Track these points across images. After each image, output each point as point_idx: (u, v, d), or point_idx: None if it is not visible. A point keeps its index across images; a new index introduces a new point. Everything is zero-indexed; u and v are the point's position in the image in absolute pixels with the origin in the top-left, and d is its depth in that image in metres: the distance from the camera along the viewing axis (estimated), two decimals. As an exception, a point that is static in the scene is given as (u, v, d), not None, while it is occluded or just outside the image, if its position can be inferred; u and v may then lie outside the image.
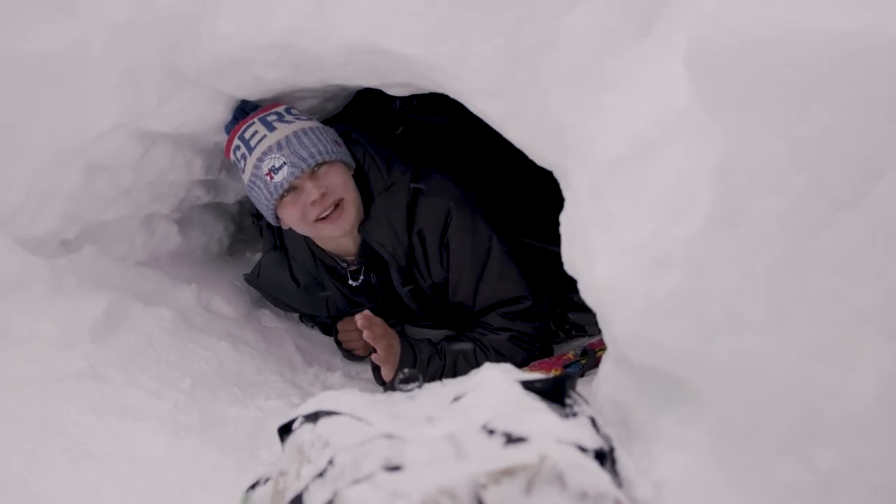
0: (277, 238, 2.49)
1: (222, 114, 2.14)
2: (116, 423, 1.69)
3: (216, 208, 2.81)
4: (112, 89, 1.91)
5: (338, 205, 2.12)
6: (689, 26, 1.23)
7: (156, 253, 2.48)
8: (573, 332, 2.53)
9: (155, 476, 1.53)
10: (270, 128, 2.10)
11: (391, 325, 2.48)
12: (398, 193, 2.19)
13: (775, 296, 1.07)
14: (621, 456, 1.17)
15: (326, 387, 2.27)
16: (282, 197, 2.10)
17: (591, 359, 2.13)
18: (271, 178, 2.06)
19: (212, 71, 1.94)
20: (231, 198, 2.72)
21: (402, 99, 2.67)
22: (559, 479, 0.98)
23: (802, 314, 1.05)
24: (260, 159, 2.08)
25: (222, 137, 2.22)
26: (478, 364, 2.02)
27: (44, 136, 1.95)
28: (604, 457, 1.13)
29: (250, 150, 2.10)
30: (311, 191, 2.07)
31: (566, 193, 1.57)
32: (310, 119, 2.18)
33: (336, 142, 2.17)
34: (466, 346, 2.21)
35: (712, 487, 1.15)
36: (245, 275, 2.56)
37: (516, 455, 1.00)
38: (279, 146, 2.07)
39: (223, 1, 1.80)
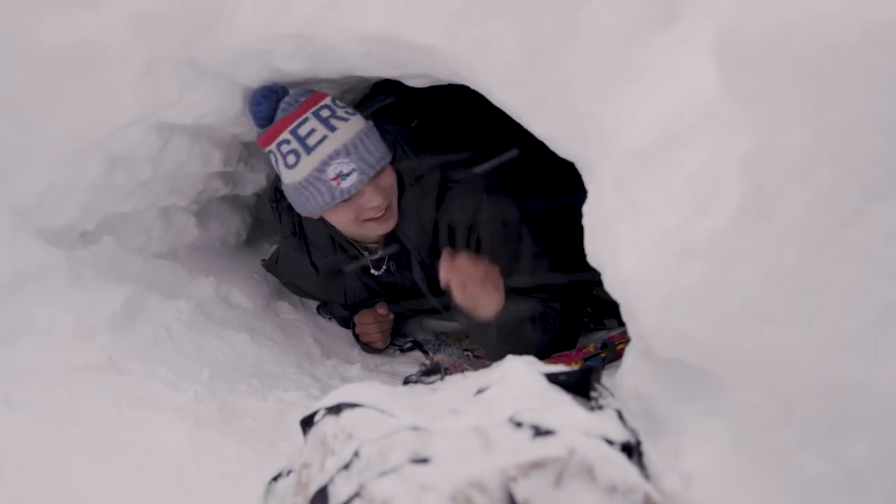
0: (297, 224, 2.48)
1: (241, 105, 2.13)
2: (136, 415, 1.68)
3: (234, 200, 2.82)
4: (132, 81, 1.90)
5: (388, 206, 2.12)
6: (715, 14, 1.21)
7: (174, 245, 2.49)
8: (591, 326, 2.52)
9: (175, 468, 1.52)
10: (330, 127, 2.05)
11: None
12: (427, 185, 2.19)
13: (803, 288, 1.06)
14: (648, 449, 1.16)
15: (345, 379, 2.27)
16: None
17: (611, 352, 2.13)
18: (338, 183, 2.03)
19: (231, 62, 1.93)
20: (248, 190, 2.72)
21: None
22: (589, 473, 0.98)
23: (830, 306, 1.04)
24: (325, 162, 2.03)
25: (241, 129, 2.21)
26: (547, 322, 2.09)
27: (64, 129, 1.94)
28: (631, 450, 1.12)
29: (308, 149, 2.05)
30: (373, 197, 2.07)
31: (589, 186, 1.56)
32: (355, 114, 2.14)
33: (382, 140, 2.15)
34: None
35: (738, 480, 1.14)
36: (263, 260, 2.56)
37: (545, 448, 1.00)
38: (347, 151, 2.03)
39: (242, -9, 1.79)
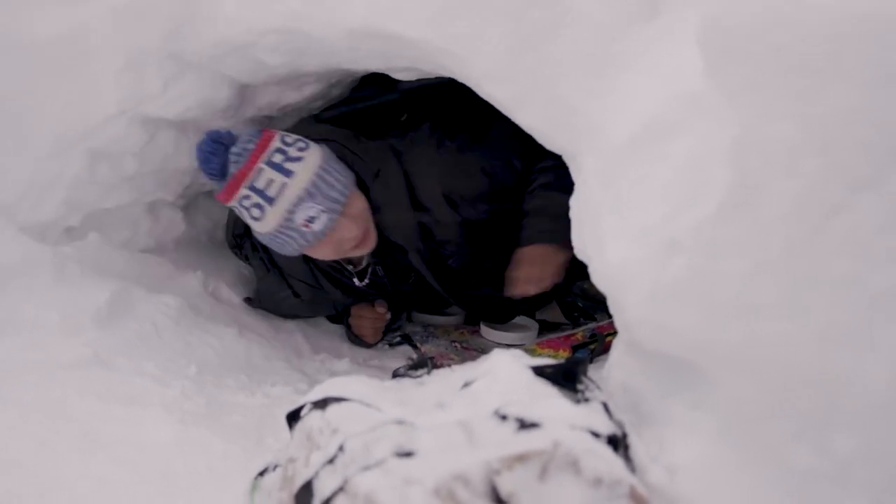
0: (267, 261, 2.44)
1: (227, 98, 2.11)
2: (123, 411, 1.67)
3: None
4: (114, 75, 1.89)
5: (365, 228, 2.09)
6: (700, 5, 1.21)
7: (161, 240, 2.47)
8: (581, 320, 2.51)
9: (162, 464, 1.51)
10: (286, 172, 1.97)
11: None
12: (391, 176, 2.14)
13: (790, 280, 1.06)
14: (634, 442, 1.16)
15: (333, 374, 2.26)
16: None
17: (599, 343, 2.13)
18: (308, 227, 1.98)
19: (214, 55, 1.92)
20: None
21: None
22: (573, 466, 0.97)
23: (817, 298, 1.04)
24: (291, 211, 1.97)
25: (228, 123, 2.19)
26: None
27: (45, 123, 1.93)
28: (617, 442, 1.12)
29: (270, 200, 1.98)
30: (349, 228, 2.03)
31: (577, 178, 1.55)
32: (307, 144, 2.06)
33: (340, 160, 2.10)
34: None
35: (725, 472, 1.14)
36: (246, 299, 2.52)
37: (529, 441, 0.99)
38: (310, 194, 1.97)
39: (225, -16, 1.78)
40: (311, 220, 1.98)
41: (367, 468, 1.02)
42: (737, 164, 1.10)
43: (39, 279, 1.99)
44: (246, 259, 2.57)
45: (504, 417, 1.06)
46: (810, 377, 1.06)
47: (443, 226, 2.16)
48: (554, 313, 2.53)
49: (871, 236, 1.01)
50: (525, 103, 1.63)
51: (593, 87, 1.48)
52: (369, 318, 2.45)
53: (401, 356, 2.43)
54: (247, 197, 2.00)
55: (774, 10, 1.06)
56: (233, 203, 2.05)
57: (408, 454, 1.01)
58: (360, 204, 2.08)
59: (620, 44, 1.46)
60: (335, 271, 2.34)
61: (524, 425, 1.03)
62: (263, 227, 2.03)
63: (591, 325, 2.32)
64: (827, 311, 1.03)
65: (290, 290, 2.44)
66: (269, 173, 1.98)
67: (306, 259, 2.33)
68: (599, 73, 1.48)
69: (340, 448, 1.11)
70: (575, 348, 2.12)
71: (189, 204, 2.60)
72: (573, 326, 2.48)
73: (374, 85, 2.65)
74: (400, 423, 1.10)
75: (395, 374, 1.99)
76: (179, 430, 1.65)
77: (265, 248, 2.31)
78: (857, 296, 1.01)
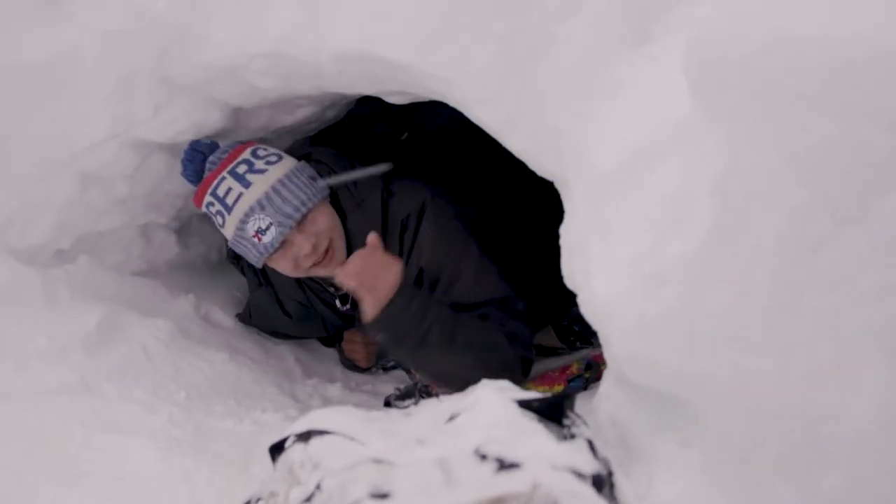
0: (261, 276, 2.44)
1: (219, 122, 2.10)
2: (107, 439, 1.65)
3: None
4: (104, 98, 1.88)
5: (328, 247, 2.05)
6: (688, 32, 1.19)
7: (153, 263, 2.45)
8: (578, 344, 2.48)
9: (143, 495, 1.49)
10: (244, 182, 1.99)
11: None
12: (370, 208, 2.11)
13: (774, 314, 1.03)
14: (620, 480, 1.13)
15: (325, 399, 2.24)
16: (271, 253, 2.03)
17: (594, 371, 2.10)
18: (259, 239, 1.98)
19: (205, 79, 1.91)
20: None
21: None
22: (552, 508, 0.95)
23: (802, 333, 1.01)
24: (243, 221, 1.99)
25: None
26: (476, 350, 1.91)
27: (35, 146, 1.92)
28: (601, 482, 1.09)
29: (228, 209, 2.01)
30: (303, 244, 2.00)
31: (566, 205, 1.53)
32: (280, 159, 2.07)
33: (312, 178, 2.08)
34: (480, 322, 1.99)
35: (712, 512, 1.11)
36: (238, 314, 2.52)
37: (508, 482, 0.97)
38: (261, 206, 1.97)
39: (214, 9, 1.76)
40: (260, 231, 1.98)
41: (342, 509, 0.99)
42: (721, 194, 1.08)
43: (28, 303, 1.97)
44: (241, 270, 2.56)
45: (484, 457, 1.03)
46: (795, 414, 1.03)
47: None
48: (549, 338, 2.50)
49: (856, 271, 0.98)
50: (514, 128, 1.62)
51: (582, 112, 1.46)
52: (361, 342, 2.42)
53: (394, 381, 2.40)
54: (211, 204, 2.05)
55: (762, 39, 1.04)
56: (203, 209, 2.09)
57: (383, 496, 0.99)
58: (323, 222, 2.04)
59: (610, 68, 1.45)
60: (324, 293, 2.32)
61: (504, 465, 1.00)
62: (226, 234, 2.07)
63: (587, 352, 2.29)
64: (811, 346, 1.00)
65: (281, 307, 2.42)
66: (230, 182, 2.00)
67: (298, 278, 2.32)
68: (588, 97, 1.46)
69: (318, 486, 1.08)
70: (571, 381, 2.09)
71: (183, 227, 2.59)
72: (569, 351, 2.45)
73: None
74: (378, 461, 1.08)
75: (387, 402, 1.97)
76: (164, 459, 1.62)
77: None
78: (841, 332, 0.99)
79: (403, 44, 1.62)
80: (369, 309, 1.92)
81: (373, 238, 1.94)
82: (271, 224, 1.97)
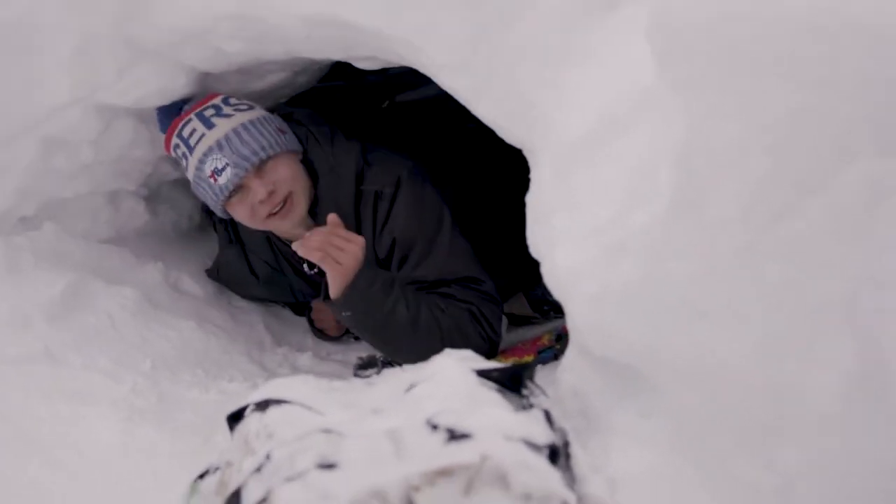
0: (232, 232, 2.42)
1: (185, 87, 2.05)
2: (67, 409, 1.62)
3: (186, 184, 2.73)
4: (65, 61, 1.82)
5: (287, 198, 2.02)
6: (653, -1, 1.16)
7: (122, 230, 2.41)
8: (552, 314, 2.47)
9: (103, 466, 1.47)
10: (209, 124, 2.00)
11: None
12: (345, 172, 2.09)
13: (734, 286, 1.01)
14: (576, 452, 1.12)
15: (295, 368, 2.22)
16: (229, 197, 2.00)
17: (564, 343, 2.07)
18: (215, 180, 1.97)
19: (170, 42, 1.85)
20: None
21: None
22: (502, 480, 0.93)
23: (762, 305, 1.00)
24: (201, 160, 1.98)
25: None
26: (440, 330, 1.93)
27: (-5, 109, 1.87)
28: (556, 453, 1.07)
29: (190, 149, 2.01)
30: (258, 190, 1.97)
31: (533, 173, 1.51)
32: (251, 108, 2.07)
33: (280, 130, 2.06)
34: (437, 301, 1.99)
35: (669, 485, 1.10)
36: (207, 270, 2.51)
37: (457, 453, 0.95)
38: (220, 146, 1.96)
39: (178, -31, 1.72)
40: (217, 171, 1.97)
41: (289, 479, 0.97)
42: (682, 164, 1.06)
43: (-11, 270, 1.93)
44: (213, 225, 2.55)
45: (435, 427, 1.02)
46: (754, 388, 1.02)
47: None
48: (520, 306, 2.48)
49: (817, 243, 0.96)
50: (483, 95, 1.59)
51: (549, 80, 1.43)
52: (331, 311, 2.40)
53: (365, 349, 2.38)
54: (177, 146, 2.06)
55: (725, 6, 1.01)
56: (171, 153, 2.11)
57: (330, 466, 0.97)
58: (284, 172, 2.01)
59: (579, 35, 1.42)
60: (293, 256, 2.29)
61: (454, 436, 0.98)
62: (189, 176, 2.07)
63: (558, 323, 2.27)
64: (771, 319, 0.99)
65: (249, 266, 2.40)
66: (195, 124, 2.02)
67: (269, 239, 2.31)
68: (556, 65, 1.43)
69: (268, 456, 1.07)
70: (541, 352, 2.07)
71: (152, 194, 2.54)
72: (542, 320, 2.44)
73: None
74: (327, 431, 1.06)
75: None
76: (125, 430, 1.60)
77: (232, 221, 2.27)
78: (801, 304, 0.97)
79: (370, 7, 1.58)
80: (334, 283, 1.93)
81: (332, 217, 1.94)
82: (227, 165, 1.95)
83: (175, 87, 2.03)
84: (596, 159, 1.24)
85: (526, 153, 1.60)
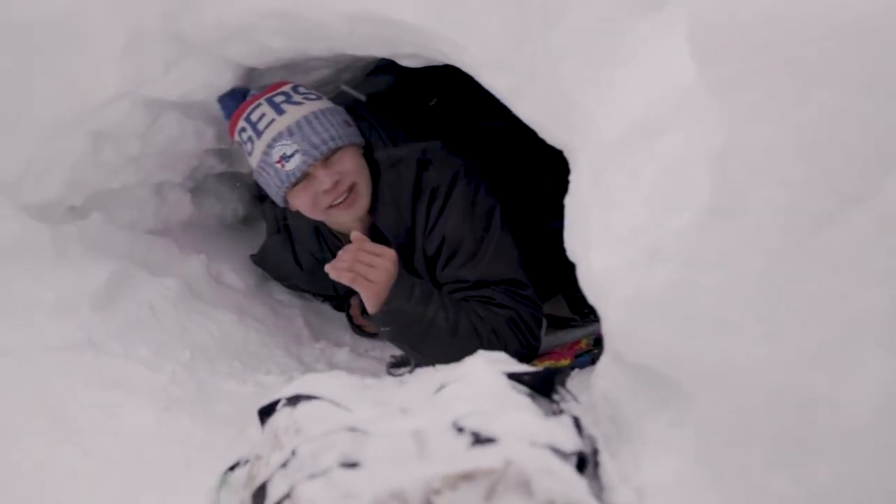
0: (281, 221, 2.43)
1: (231, 82, 2.08)
2: (106, 397, 1.65)
3: (232, 177, 2.77)
4: (114, 56, 1.86)
5: (350, 189, 2.02)
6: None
7: (167, 222, 2.45)
8: (592, 317, 2.44)
9: (137, 454, 1.49)
10: (279, 110, 2.00)
11: None
12: (405, 169, 2.09)
13: (770, 296, 0.98)
14: (604, 460, 1.10)
15: (332, 363, 2.23)
16: (293, 184, 2.00)
17: (601, 348, 2.05)
18: (283, 165, 1.96)
19: (216, 38, 1.88)
20: (246, 167, 2.66)
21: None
22: (525, 487, 0.92)
23: (798, 317, 0.96)
24: (270, 145, 1.98)
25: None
26: (479, 338, 1.91)
27: (45, 103, 1.90)
28: (585, 461, 1.06)
29: (258, 133, 2.01)
30: (324, 179, 1.97)
31: (572, 174, 1.49)
32: (319, 98, 2.08)
33: (346, 122, 2.07)
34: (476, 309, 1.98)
35: (698, 496, 1.07)
36: (252, 255, 2.53)
37: (481, 458, 0.94)
38: (290, 132, 1.96)
39: (225, -34, 1.74)
40: (285, 157, 1.96)
41: (312, 476, 0.98)
42: (721, 168, 1.03)
43: (37, 258, 1.96)
44: (264, 212, 2.57)
45: (461, 429, 1.01)
46: (788, 400, 0.99)
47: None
48: (559, 307, 2.46)
49: (858, 254, 0.93)
50: (524, 94, 1.58)
51: (592, 80, 1.41)
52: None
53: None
54: (243, 129, 2.05)
55: (765, 8, 0.99)
56: (235, 138, 2.10)
57: (353, 465, 0.97)
58: (349, 164, 2.02)
59: (622, 35, 1.39)
60: (339, 243, 2.30)
61: (479, 440, 0.98)
62: (253, 161, 2.07)
63: (597, 327, 2.24)
64: (805, 330, 0.96)
65: (294, 256, 2.42)
66: (264, 108, 2.02)
67: (317, 231, 2.31)
68: (599, 65, 1.41)
69: (293, 452, 1.07)
70: (578, 356, 2.05)
71: (198, 186, 2.58)
72: (582, 323, 2.41)
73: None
74: (353, 429, 1.06)
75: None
76: (161, 419, 1.62)
77: (282, 209, 2.28)
78: (837, 316, 0.94)
79: (411, 4, 1.58)
80: (369, 302, 1.92)
81: (356, 234, 1.93)
82: (297, 151, 1.96)
83: (221, 81, 2.06)
84: (634, 160, 1.22)
85: (566, 154, 1.58)
